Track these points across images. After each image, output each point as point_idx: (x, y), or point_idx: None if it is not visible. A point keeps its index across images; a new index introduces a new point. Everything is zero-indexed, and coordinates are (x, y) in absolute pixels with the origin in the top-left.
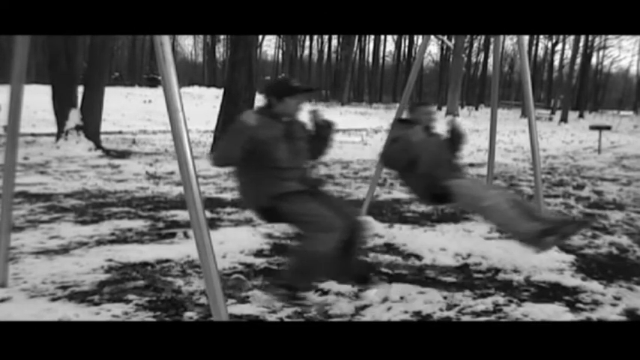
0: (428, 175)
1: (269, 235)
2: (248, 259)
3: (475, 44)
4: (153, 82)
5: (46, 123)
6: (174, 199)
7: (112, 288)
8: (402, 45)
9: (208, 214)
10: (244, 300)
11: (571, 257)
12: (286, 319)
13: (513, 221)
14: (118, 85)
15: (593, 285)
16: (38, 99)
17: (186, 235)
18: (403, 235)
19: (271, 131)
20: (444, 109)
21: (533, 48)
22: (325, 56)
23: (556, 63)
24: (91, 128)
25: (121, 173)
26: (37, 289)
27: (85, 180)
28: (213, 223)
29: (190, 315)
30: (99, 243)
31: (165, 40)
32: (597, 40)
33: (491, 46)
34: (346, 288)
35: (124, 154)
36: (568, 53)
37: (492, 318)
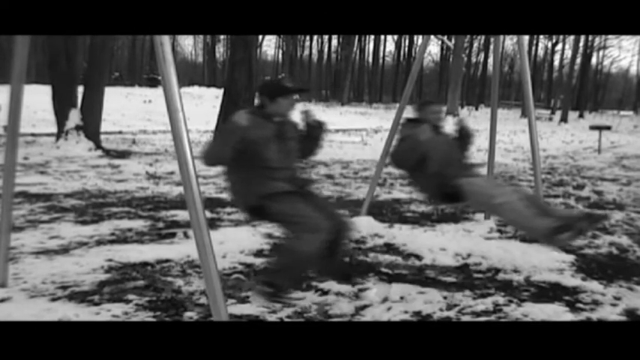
0: (438, 174)
1: (269, 235)
2: (248, 259)
3: (475, 44)
4: (153, 82)
5: (46, 123)
6: (174, 199)
7: (112, 288)
8: (402, 45)
9: (208, 214)
10: (244, 300)
11: (571, 257)
12: (286, 319)
13: (527, 218)
14: (118, 85)
15: (593, 285)
16: (38, 99)
17: (186, 235)
18: (403, 235)
19: (263, 131)
20: (444, 109)
21: (533, 48)
22: (325, 56)
23: (556, 63)
24: (91, 128)
25: (121, 173)
26: (37, 289)
27: (85, 180)
28: (213, 223)
29: (190, 315)
30: (99, 243)
31: (165, 40)
32: (597, 40)
33: (491, 46)
34: (346, 288)
35: (124, 154)
36: (568, 53)
37: (492, 318)
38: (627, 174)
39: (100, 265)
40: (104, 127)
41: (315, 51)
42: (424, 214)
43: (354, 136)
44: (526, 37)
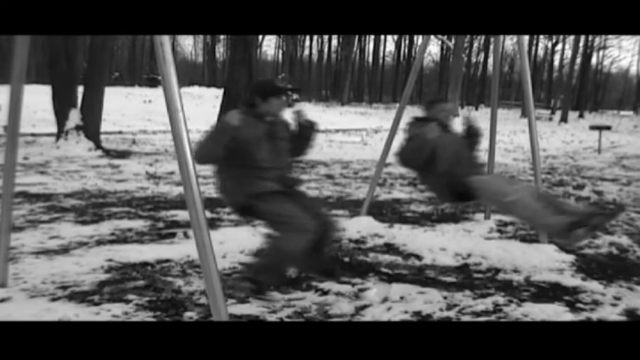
0: (448, 172)
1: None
2: (248, 259)
3: (475, 44)
4: (153, 82)
5: (46, 123)
6: (174, 199)
7: (112, 288)
8: (402, 45)
9: (208, 214)
10: (244, 300)
11: (571, 257)
12: (286, 319)
13: (540, 215)
14: (118, 85)
15: (593, 285)
16: (38, 99)
17: (186, 235)
18: (403, 235)
19: (254, 131)
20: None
21: (533, 48)
22: (325, 56)
23: (556, 63)
24: (91, 128)
25: (121, 173)
26: (37, 289)
27: (85, 180)
28: (213, 223)
29: (190, 315)
30: (99, 243)
31: (165, 40)
32: (597, 40)
33: (492, 46)
34: (346, 288)
35: (124, 154)
36: (568, 53)
37: (492, 318)
38: (627, 174)
39: (100, 265)
40: (104, 127)
41: (315, 51)
42: (424, 214)
43: (354, 136)
44: (526, 37)
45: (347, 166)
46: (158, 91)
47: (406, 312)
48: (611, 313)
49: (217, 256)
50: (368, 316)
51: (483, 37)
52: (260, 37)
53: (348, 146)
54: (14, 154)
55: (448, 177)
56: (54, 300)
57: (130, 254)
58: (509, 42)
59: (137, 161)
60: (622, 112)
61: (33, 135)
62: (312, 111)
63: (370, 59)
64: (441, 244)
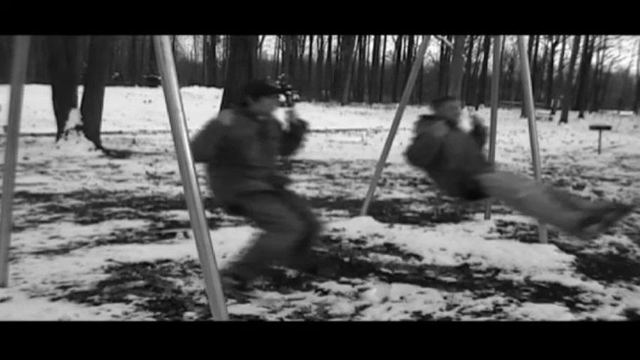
0: (458, 170)
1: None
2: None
3: (475, 44)
4: (153, 82)
5: (46, 123)
6: (174, 199)
7: (112, 288)
8: (402, 45)
9: (208, 214)
10: (244, 300)
11: (571, 257)
12: (286, 319)
13: (552, 212)
14: (118, 85)
15: (593, 285)
16: (38, 99)
17: (186, 235)
18: (403, 235)
19: (245, 130)
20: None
21: (533, 48)
22: (325, 56)
23: (556, 63)
24: (91, 128)
25: (121, 173)
26: (37, 289)
27: (85, 180)
28: (213, 223)
29: (190, 315)
30: (99, 243)
31: (165, 40)
32: (597, 40)
33: (491, 46)
34: (346, 288)
35: (124, 154)
36: (568, 53)
37: (492, 318)
38: (627, 174)
39: (100, 265)
40: (104, 127)
41: (315, 51)
42: (424, 214)
43: (354, 136)
44: (526, 37)
45: (347, 166)
46: (158, 91)
47: (406, 312)
48: (611, 313)
49: (217, 256)
50: (368, 316)
51: (483, 37)
52: (260, 37)
53: (348, 146)
54: (14, 154)
55: (458, 175)
56: (54, 300)
57: (130, 254)
58: (509, 42)
59: (137, 161)
60: (622, 112)
61: (33, 135)
62: (312, 111)
63: (370, 59)
64: (441, 244)
